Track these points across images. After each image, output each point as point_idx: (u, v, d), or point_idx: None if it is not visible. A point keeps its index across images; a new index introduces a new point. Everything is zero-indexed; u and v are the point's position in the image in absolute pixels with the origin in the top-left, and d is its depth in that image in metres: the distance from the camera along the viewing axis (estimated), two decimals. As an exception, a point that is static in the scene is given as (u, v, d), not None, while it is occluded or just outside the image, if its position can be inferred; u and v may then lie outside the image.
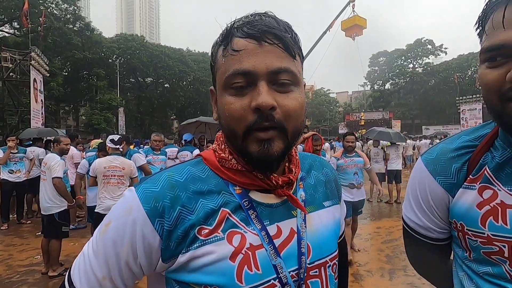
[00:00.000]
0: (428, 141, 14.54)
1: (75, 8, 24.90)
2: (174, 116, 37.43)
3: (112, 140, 3.54)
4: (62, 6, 24.22)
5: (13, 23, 21.76)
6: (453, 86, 39.00)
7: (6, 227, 5.52)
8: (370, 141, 10.37)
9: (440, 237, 0.74)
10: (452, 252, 0.75)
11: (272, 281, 0.53)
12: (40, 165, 4.65)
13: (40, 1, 21.95)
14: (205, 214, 0.54)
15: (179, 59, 34.05)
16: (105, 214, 0.60)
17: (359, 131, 33.39)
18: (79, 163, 5.58)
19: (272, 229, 0.56)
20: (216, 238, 0.53)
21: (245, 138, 0.53)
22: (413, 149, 13.87)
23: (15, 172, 5.76)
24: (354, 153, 4.05)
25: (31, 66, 15.31)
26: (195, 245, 0.52)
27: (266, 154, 0.52)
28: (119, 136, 3.64)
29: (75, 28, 25.27)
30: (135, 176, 3.55)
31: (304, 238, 0.58)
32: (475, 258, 0.65)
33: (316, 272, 0.59)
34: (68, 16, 24.68)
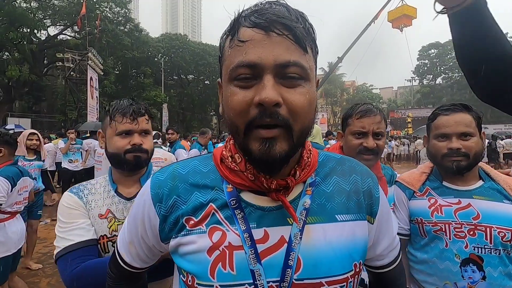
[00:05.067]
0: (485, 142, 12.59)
1: (126, 10, 26.73)
2: (213, 112, 38.54)
3: None
4: (115, 9, 26.16)
5: (74, 27, 24.05)
6: (520, 79, 34.51)
7: (66, 211, 6.16)
8: (419, 140, 9.62)
9: None
10: None
11: (247, 285, 0.51)
12: (95, 155, 5.09)
13: (96, 6, 23.95)
14: (195, 206, 0.56)
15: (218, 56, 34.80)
16: None
17: (405, 129, 31.24)
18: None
19: (257, 233, 0.53)
20: (199, 230, 0.55)
21: (247, 135, 0.50)
22: None
23: (74, 162, 6.41)
24: (481, 183, 1.10)
25: (88, 66, 16.88)
26: (182, 233, 0.56)
27: (267, 154, 0.48)
28: (155, 132, 4.13)
29: (125, 29, 27.16)
30: None
31: (295, 250, 0.52)
32: None
33: None
34: (120, 18, 26.58)
